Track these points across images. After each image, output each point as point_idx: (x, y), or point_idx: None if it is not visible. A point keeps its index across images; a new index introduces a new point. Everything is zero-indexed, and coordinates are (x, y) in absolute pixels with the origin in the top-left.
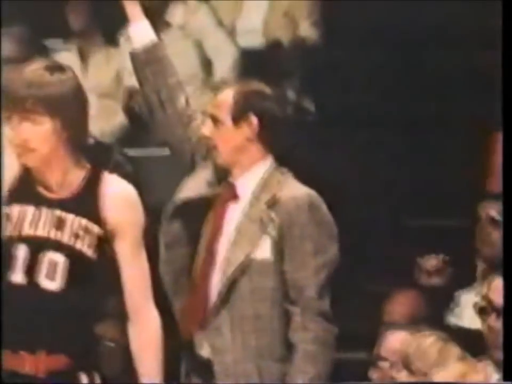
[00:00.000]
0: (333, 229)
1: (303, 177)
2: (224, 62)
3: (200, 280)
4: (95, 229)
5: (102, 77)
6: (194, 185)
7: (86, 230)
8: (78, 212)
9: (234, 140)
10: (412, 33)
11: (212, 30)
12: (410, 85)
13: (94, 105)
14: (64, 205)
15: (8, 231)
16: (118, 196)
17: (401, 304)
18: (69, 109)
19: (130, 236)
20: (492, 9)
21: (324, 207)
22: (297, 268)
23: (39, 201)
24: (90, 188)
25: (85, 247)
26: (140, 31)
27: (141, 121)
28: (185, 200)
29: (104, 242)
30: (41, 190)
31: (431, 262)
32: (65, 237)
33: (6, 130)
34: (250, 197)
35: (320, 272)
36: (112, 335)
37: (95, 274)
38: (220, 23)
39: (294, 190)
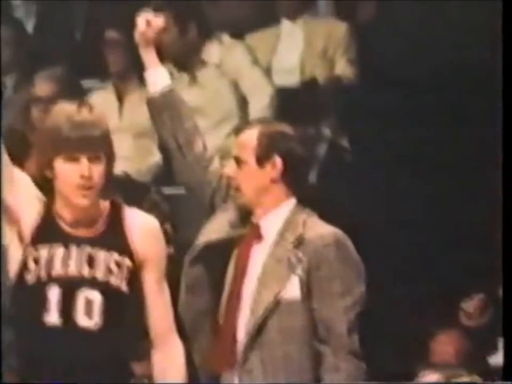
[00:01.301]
0: (360, 267)
1: (332, 217)
2: (260, 100)
3: (227, 321)
4: (127, 262)
5: (137, 116)
6: (216, 228)
7: (118, 265)
8: (108, 247)
9: (258, 181)
10: (449, 71)
11: (248, 69)
12: (450, 123)
13: (129, 144)
14: (93, 241)
15: (38, 273)
16: (143, 227)
17: (441, 344)
18: (110, 144)
19: (156, 266)
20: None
21: (350, 246)
22: (326, 306)
23: (67, 240)
24: (115, 223)
25: (119, 281)
26: (155, 77)
27: None
28: (208, 243)
29: (135, 275)
30: (67, 228)
31: (472, 303)
32: (98, 274)
33: (66, 170)
34: (275, 237)
35: (349, 311)
36: (149, 372)
37: (129, 308)
38: (256, 61)
39: (320, 229)
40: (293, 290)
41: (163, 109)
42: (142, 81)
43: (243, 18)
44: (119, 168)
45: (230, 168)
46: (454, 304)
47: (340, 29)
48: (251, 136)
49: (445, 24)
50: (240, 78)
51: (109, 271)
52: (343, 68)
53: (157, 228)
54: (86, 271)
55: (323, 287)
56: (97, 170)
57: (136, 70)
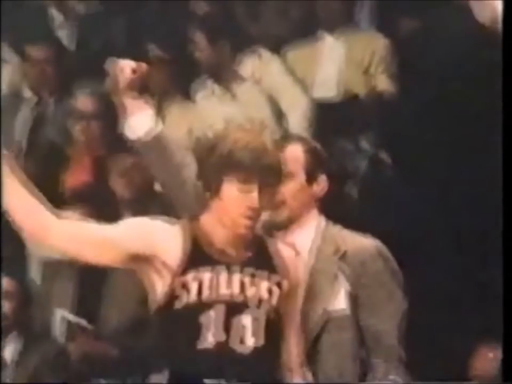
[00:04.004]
0: (401, 277)
1: (372, 231)
2: (298, 115)
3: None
4: (275, 288)
5: (178, 132)
6: None
7: (269, 290)
8: (257, 272)
9: (305, 197)
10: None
11: (285, 83)
12: (496, 138)
13: None
14: (242, 266)
15: (189, 299)
16: (286, 253)
17: (481, 359)
18: (280, 173)
19: (297, 293)
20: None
21: (391, 256)
22: (375, 317)
23: (217, 265)
24: (260, 247)
25: (269, 306)
26: (141, 122)
27: None
28: None
29: (281, 301)
30: (215, 253)
31: None
32: (252, 299)
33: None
34: (313, 251)
35: (396, 320)
36: None
37: (279, 333)
38: (294, 76)
39: (361, 242)
40: (341, 303)
41: (154, 150)
42: (183, 97)
43: (284, 33)
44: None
45: None
46: (496, 316)
47: (381, 43)
48: (297, 151)
49: (485, 38)
50: (277, 92)
51: (260, 295)
52: (383, 83)
53: (294, 256)
54: (242, 295)
55: (371, 298)
56: (264, 200)
57: (178, 85)
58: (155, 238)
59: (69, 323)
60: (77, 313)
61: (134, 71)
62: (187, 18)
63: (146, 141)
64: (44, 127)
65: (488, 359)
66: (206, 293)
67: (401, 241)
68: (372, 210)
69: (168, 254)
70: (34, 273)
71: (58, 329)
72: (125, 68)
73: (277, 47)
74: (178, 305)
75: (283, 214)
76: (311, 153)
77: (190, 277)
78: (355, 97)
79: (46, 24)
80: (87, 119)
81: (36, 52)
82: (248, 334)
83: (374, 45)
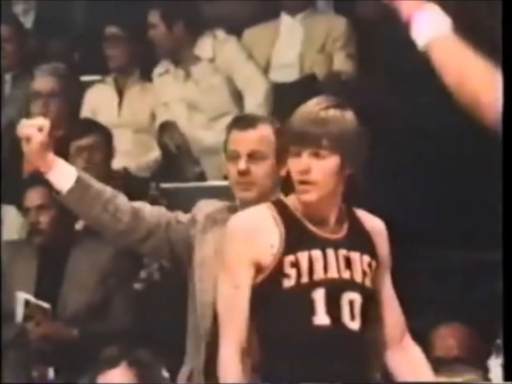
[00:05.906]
0: None
1: None
2: (255, 96)
3: None
4: (374, 264)
5: (137, 112)
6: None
7: (370, 267)
8: (358, 249)
9: (274, 177)
10: None
11: (242, 64)
12: (458, 119)
13: (129, 140)
14: (345, 243)
15: (302, 277)
16: (379, 229)
17: (443, 339)
18: (353, 147)
19: (389, 268)
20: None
21: None
22: None
23: (323, 244)
24: (355, 224)
25: (370, 283)
26: (60, 175)
27: (175, 156)
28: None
29: (378, 277)
30: (317, 231)
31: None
32: (356, 276)
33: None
34: None
35: None
36: None
37: (379, 310)
38: (250, 56)
39: None
40: None
41: (82, 197)
42: (142, 76)
43: (242, 14)
44: (119, 163)
45: (242, 163)
46: (460, 298)
47: (340, 23)
48: (267, 131)
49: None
50: (234, 73)
51: (364, 273)
52: (342, 63)
53: (385, 230)
54: (345, 274)
55: None
56: (324, 169)
57: (136, 65)
58: (255, 242)
59: (30, 304)
60: (37, 294)
61: (40, 129)
62: None
63: (70, 191)
64: (4, 107)
65: (449, 338)
66: (317, 271)
67: None
68: None
69: (268, 239)
70: None
71: (19, 311)
72: (31, 130)
73: (234, 29)
74: (287, 283)
75: (252, 195)
76: (281, 134)
77: (300, 255)
78: (313, 77)
79: (3, 2)
80: (45, 99)
81: None
82: (355, 311)
83: (333, 25)
